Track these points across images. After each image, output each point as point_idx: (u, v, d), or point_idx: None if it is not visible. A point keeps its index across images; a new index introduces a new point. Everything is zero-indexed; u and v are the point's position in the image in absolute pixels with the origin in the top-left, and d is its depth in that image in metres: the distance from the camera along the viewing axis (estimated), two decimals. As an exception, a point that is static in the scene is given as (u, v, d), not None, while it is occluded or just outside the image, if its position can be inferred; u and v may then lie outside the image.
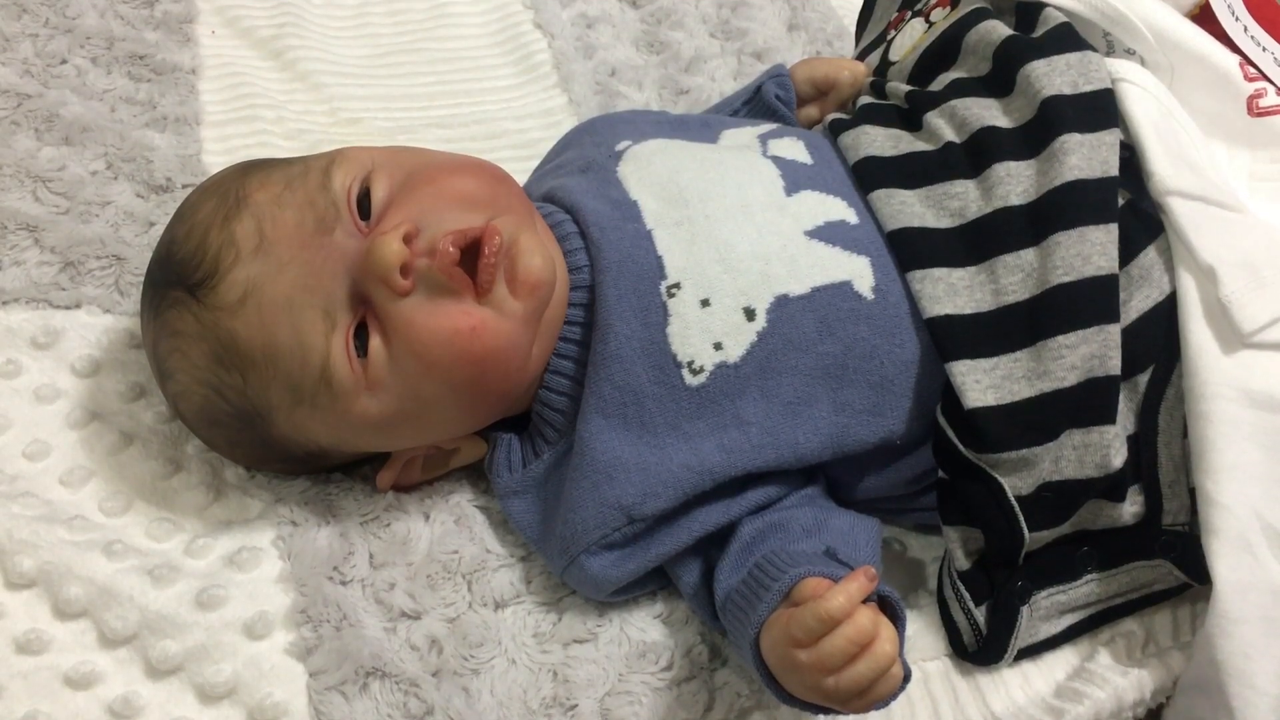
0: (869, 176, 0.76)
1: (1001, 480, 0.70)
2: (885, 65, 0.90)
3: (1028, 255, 0.71)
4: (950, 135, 0.77)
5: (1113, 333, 0.69)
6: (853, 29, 1.08)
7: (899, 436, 0.73)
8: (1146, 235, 0.73)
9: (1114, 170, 0.72)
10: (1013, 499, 0.70)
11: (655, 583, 0.75)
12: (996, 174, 0.73)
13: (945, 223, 0.74)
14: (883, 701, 0.62)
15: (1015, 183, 0.73)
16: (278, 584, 0.72)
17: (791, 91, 0.93)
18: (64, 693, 0.67)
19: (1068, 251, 0.70)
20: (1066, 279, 0.70)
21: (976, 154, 0.75)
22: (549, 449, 0.75)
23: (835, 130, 0.81)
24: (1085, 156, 0.72)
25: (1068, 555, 0.74)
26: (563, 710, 0.70)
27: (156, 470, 0.78)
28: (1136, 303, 0.72)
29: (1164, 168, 0.73)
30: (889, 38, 0.92)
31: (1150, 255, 0.73)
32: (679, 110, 1.07)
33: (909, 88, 0.83)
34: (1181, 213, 0.72)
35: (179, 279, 0.71)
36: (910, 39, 0.88)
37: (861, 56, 0.95)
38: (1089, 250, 0.70)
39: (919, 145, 0.78)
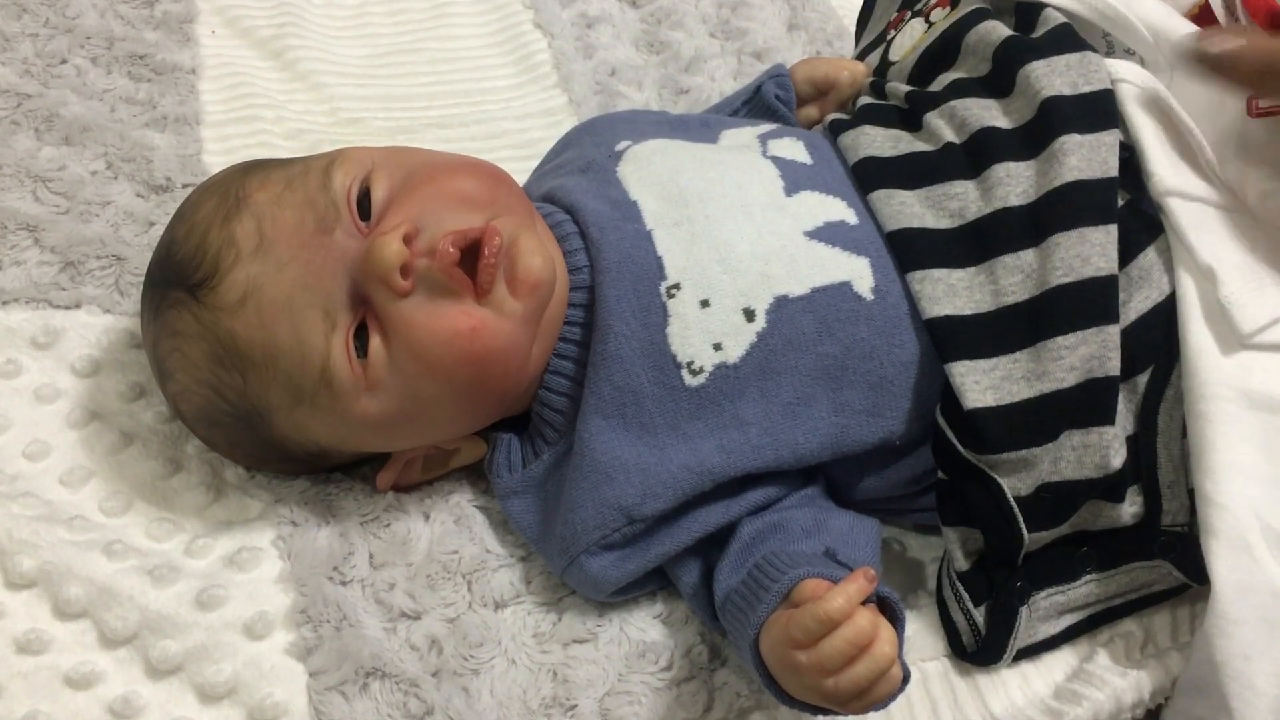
0: (869, 177, 0.76)
1: (1001, 481, 0.70)
2: (885, 65, 0.90)
3: (1027, 256, 0.71)
4: (950, 136, 0.77)
5: (1112, 334, 0.69)
6: (853, 29, 1.07)
7: (898, 437, 0.73)
8: (1146, 236, 0.73)
9: (1114, 171, 0.72)
10: (1012, 500, 0.70)
11: (655, 583, 0.75)
12: (996, 174, 0.73)
13: (945, 223, 0.74)
14: (882, 703, 0.62)
15: (1015, 183, 0.73)
16: (278, 584, 0.72)
17: (791, 91, 0.93)
18: (64, 693, 0.68)
19: (1067, 252, 0.70)
20: (1066, 280, 0.69)
21: (976, 154, 0.75)
22: (549, 449, 0.76)
23: (835, 130, 0.81)
24: (1085, 157, 0.72)
25: (1067, 556, 0.74)
26: (562, 710, 0.70)
27: (156, 470, 0.78)
28: (1136, 303, 0.72)
29: (1163, 168, 0.73)
30: (889, 38, 0.91)
31: (1150, 256, 0.73)
32: (679, 110, 1.07)
33: (909, 88, 0.83)
34: (1181, 213, 0.72)
35: (179, 279, 0.71)
36: (910, 39, 0.88)
37: (861, 56, 0.95)
38: (1088, 251, 0.70)
39: (919, 146, 0.78)
